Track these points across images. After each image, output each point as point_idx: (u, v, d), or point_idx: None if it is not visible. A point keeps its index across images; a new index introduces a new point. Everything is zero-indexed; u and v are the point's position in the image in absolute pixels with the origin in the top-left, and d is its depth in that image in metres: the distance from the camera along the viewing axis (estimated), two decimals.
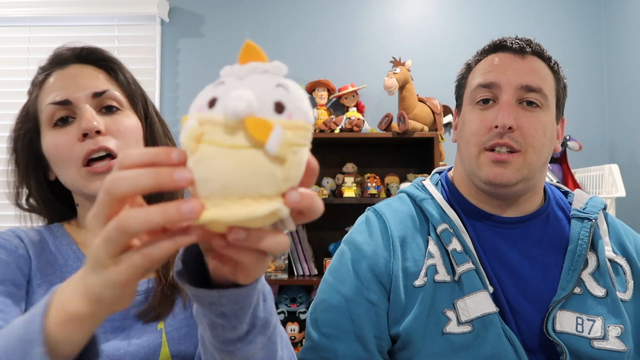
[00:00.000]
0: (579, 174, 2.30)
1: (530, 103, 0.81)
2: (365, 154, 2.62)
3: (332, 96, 2.58)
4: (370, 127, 2.47)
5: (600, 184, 2.12)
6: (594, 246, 0.83)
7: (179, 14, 2.72)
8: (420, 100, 2.42)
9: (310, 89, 2.57)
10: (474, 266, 0.80)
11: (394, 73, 2.32)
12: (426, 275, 0.81)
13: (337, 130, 2.38)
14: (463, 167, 0.89)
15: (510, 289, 0.81)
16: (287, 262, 2.38)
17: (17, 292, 0.66)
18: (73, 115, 0.72)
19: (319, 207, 0.37)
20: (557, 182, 2.14)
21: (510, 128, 0.79)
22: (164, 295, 0.71)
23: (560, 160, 2.32)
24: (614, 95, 2.58)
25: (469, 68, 0.91)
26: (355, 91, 2.51)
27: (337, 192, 2.50)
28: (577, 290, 0.80)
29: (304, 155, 0.35)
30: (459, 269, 0.80)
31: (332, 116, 2.47)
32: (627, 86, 2.46)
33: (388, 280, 0.82)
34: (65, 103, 0.72)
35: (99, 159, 0.71)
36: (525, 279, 0.82)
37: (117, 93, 0.76)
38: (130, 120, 0.75)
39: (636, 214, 2.30)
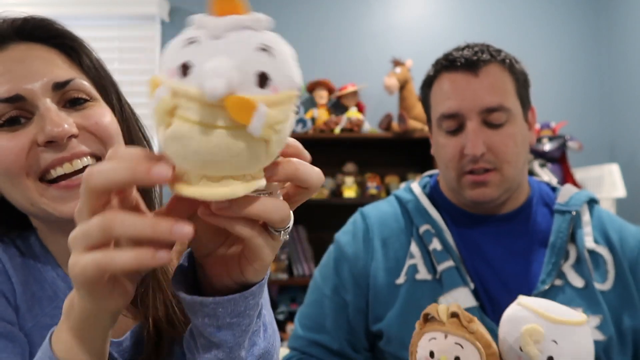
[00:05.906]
0: (579, 174, 2.29)
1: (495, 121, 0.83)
2: (365, 154, 2.62)
3: (332, 96, 2.58)
4: (370, 127, 2.47)
5: (601, 184, 2.13)
6: (574, 238, 0.85)
7: (179, 14, 2.72)
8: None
9: (310, 89, 2.57)
10: (454, 264, 0.84)
11: (394, 73, 2.33)
12: (406, 274, 0.86)
13: (337, 130, 2.38)
14: (446, 182, 0.92)
15: (493, 284, 0.85)
16: (287, 262, 2.39)
17: (14, 331, 0.54)
18: (27, 115, 0.54)
19: (308, 173, 0.35)
20: (557, 182, 2.14)
21: (481, 154, 0.82)
22: (150, 341, 0.58)
23: (560, 160, 2.32)
24: (614, 95, 2.58)
25: (428, 82, 0.91)
26: (355, 91, 2.52)
27: (337, 192, 2.50)
28: (558, 282, 0.83)
29: (289, 127, 0.32)
30: (440, 267, 0.84)
31: (332, 116, 2.47)
32: (628, 85, 2.46)
33: (365, 281, 0.89)
34: (15, 99, 0.53)
35: (70, 174, 0.54)
36: (507, 273, 0.85)
37: (85, 82, 0.57)
38: (106, 113, 0.58)
39: (637, 215, 2.30)
